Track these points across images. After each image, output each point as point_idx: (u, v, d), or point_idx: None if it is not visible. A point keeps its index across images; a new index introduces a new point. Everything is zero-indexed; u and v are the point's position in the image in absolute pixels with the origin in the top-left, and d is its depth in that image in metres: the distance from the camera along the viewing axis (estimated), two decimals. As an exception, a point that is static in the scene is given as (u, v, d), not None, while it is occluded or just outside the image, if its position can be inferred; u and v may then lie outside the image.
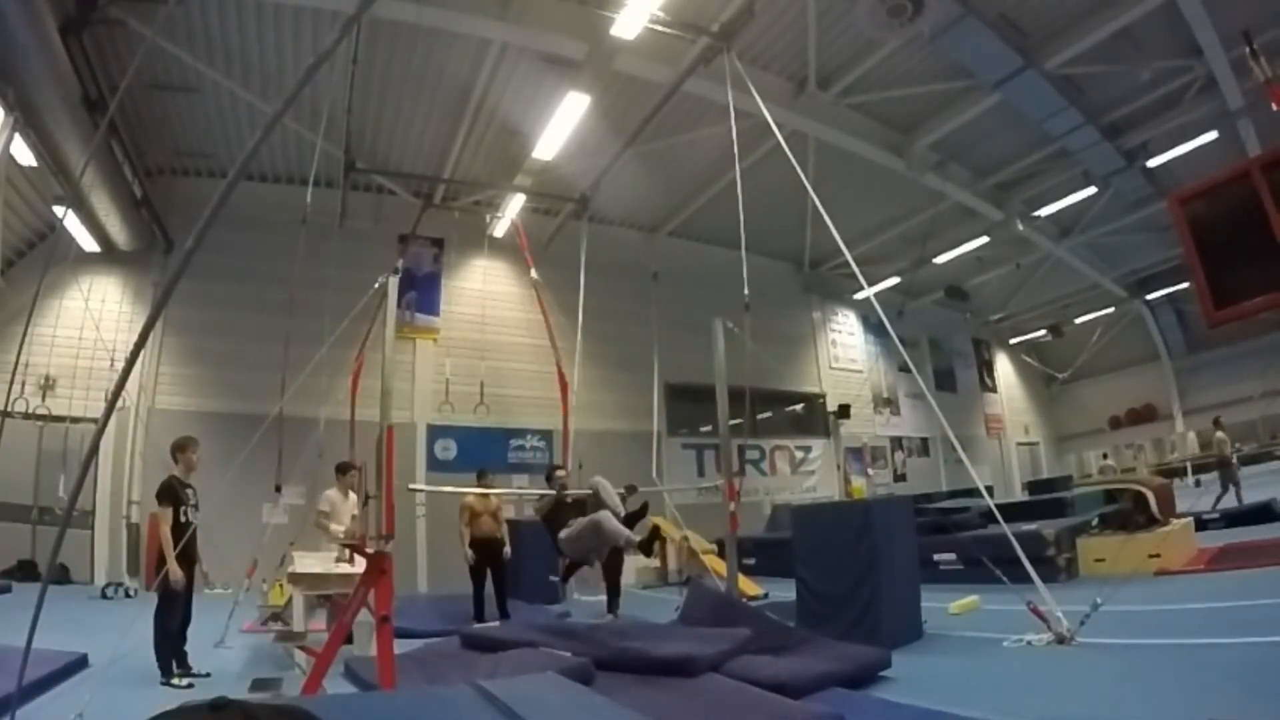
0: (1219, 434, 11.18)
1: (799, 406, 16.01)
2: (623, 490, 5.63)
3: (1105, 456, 19.31)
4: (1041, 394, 22.95)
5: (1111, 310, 19.70)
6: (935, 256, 14.86)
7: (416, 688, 3.93)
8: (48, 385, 9.28)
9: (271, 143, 9.96)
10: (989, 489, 7.42)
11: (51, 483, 8.94)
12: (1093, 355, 20.93)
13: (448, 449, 11.35)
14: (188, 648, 4.85)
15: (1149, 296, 19.11)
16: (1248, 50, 6.01)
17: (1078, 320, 20.16)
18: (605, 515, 5.08)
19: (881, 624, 4.93)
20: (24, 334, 6.01)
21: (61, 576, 8.46)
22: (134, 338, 4.01)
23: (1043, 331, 20.71)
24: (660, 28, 7.21)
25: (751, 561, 10.38)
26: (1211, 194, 3.74)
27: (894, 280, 15.53)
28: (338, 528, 5.98)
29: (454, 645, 5.64)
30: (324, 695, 3.58)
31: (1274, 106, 5.51)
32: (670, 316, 11.82)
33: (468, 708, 2.77)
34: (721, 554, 8.42)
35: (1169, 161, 11.63)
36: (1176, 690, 3.34)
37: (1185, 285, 16.43)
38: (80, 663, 4.80)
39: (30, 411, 8.80)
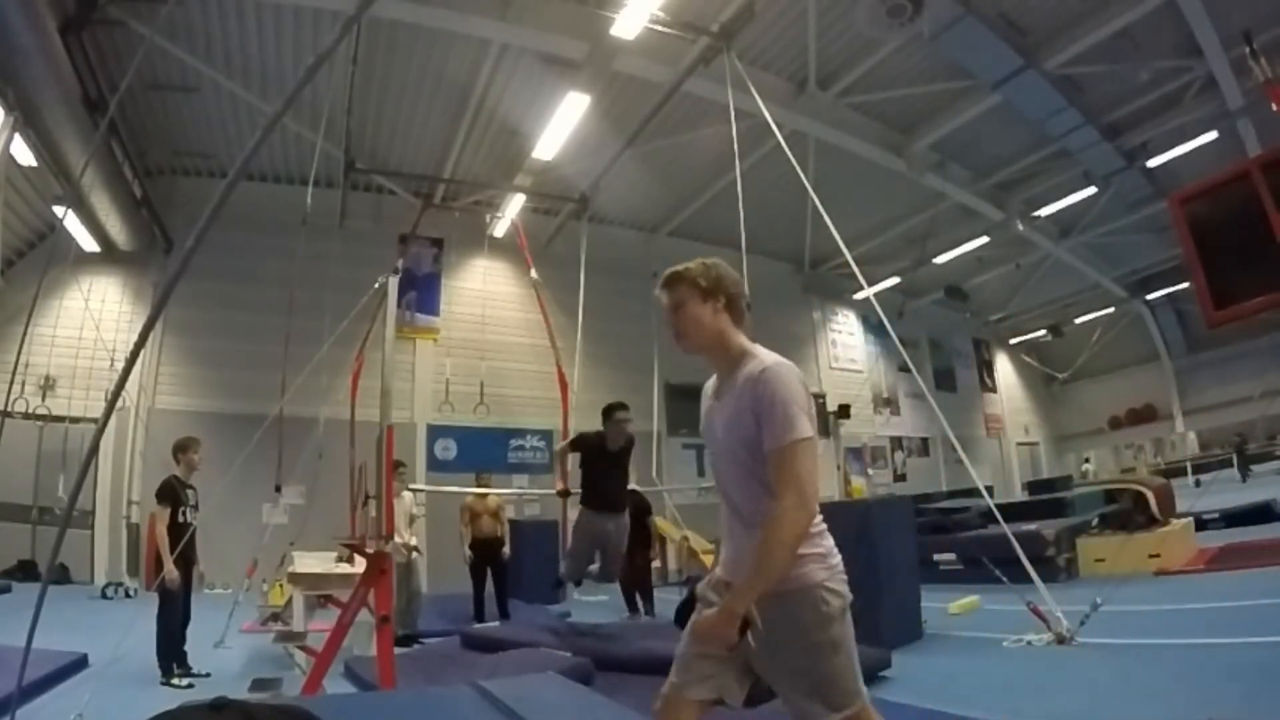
0: None
1: (799, 406, 15.96)
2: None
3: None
4: (1041, 394, 22.94)
5: (1111, 310, 19.68)
6: (935, 256, 14.85)
7: (416, 688, 3.93)
8: (48, 385, 9.28)
9: (271, 143, 9.95)
10: (989, 489, 7.41)
11: (51, 483, 8.95)
12: (1093, 355, 20.90)
13: (448, 449, 11.34)
14: (187, 648, 4.85)
15: (1149, 296, 19.10)
16: (1248, 50, 6.01)
17: (1078, 320, 20.15)
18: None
19: (881, 624, 4.92)
20: (24, 334, 6.05)
21: (61, 576, 8.46)
22: (134, 338, 4.02)
23: (1043, 331, 20.70)
24: (660, 28, 7.20)
25: (751, 561, 10.36)
26: (1211, 194, 3.75)
27: (894, 280, 15.51)
28: (398, 539, 5.62)
29: (454, 645, 5.65)
30: (324, 695, 3.58)
31: (1274, 106, 5.51)
32: (670, 316, 11.82)
33: (468, 708, 2.77)
34: (721, 554, 8.41)
35: (1169, 161, 11.61)
36: (1176, 690, 3.34)
37: (1185, 285, 16.39)
38: (80, 663, 4.80)
39: (30, 411, 8.81)
